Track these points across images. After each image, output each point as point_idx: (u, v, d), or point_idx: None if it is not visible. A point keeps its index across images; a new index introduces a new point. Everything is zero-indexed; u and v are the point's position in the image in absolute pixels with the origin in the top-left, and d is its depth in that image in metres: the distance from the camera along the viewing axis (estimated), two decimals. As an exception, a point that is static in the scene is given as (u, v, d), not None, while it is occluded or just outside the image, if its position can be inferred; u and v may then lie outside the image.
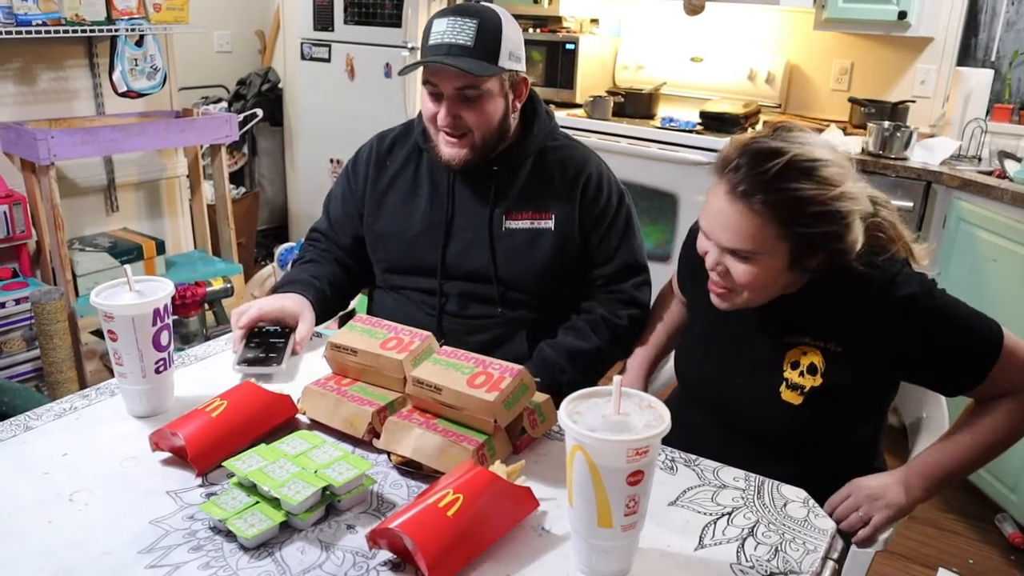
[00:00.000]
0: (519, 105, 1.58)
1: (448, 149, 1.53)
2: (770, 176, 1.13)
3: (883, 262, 1.22)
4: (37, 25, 2.60)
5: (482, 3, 1.56)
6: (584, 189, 1.58)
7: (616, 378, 0.87)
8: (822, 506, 1.06)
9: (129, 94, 2.96)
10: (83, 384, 2.75)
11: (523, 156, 1.60)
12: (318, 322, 1.53)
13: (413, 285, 1.64)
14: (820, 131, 3.03)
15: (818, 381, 1.24)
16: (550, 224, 1.57)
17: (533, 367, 1.44)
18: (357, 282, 1.73)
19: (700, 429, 1.32)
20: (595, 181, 1.60)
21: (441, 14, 1.50)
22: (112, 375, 1.23)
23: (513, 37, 1.51)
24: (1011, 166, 2.55)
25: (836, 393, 1.24)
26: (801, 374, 1.25)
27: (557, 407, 1.10)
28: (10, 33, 2.55)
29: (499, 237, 1.58)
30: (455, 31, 1.46)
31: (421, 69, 1.52)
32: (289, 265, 1.86)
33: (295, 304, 1.48)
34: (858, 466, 1.31)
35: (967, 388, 1.23)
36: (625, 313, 1.58)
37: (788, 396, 1.25)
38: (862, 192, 1.19)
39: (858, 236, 1.17)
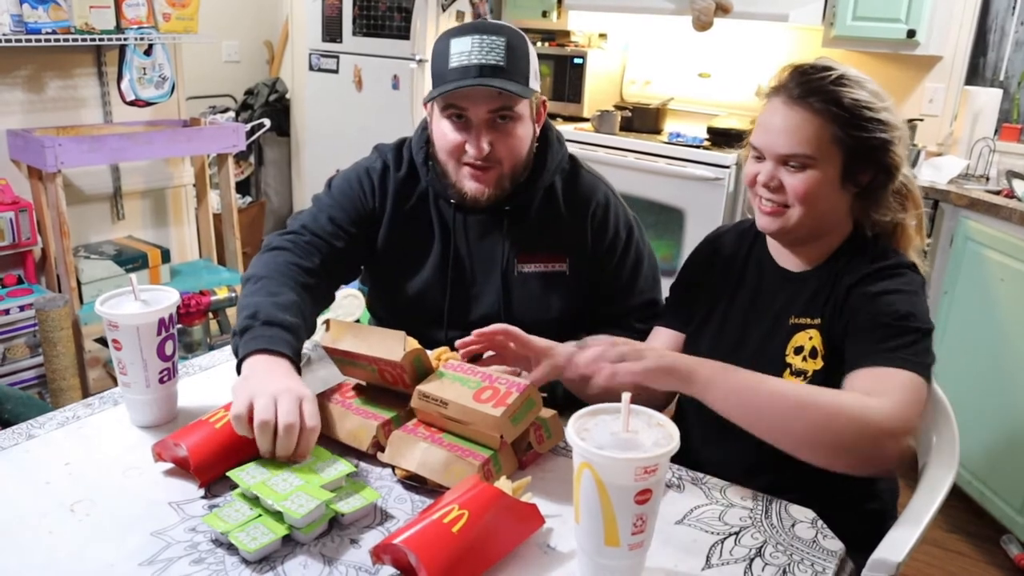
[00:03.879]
0: (539, 130, 1.48)
1: (473, 184, 1.39)
2: (827, 82, 1.19)
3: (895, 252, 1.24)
4: (47, 33, 2.61)
5: (492, 20, 1.51)
6: (592, 220, 1.49)
7: (625, 395, 0.86)
8: (830, 525, 1.05)
9: (137, 103, 2.97)
10: (86, 391, 2.74)
11: (535, 193, 1.48)
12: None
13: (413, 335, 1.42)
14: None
15: (819, 364, 1.20)
16: (564, 268, 1.49)
17: None
18: (323, 301, 1.48)
19: (696, 439, 1.29)
20: (602, 211, 1.50)
21: (459, 33, 1.36)
22: (115, 383, 1.23)
23: (535, 55, 1.42)
24: (1019, 186, 2.54)
25: (839, 377, 1.17)
26: (804, 359, 1.22)
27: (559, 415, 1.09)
28: (20, 41, 2.56)
29: (512, 283, 1.48)
30: (484, 50, 1.33)
31: (433, 93, 1.37)
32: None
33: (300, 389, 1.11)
34: (857, 480, 1.27)
35: (868, 361, 1.12)
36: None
37: (790, 380, 1.21)
38: (903, 123, 1.24)
39: (903, 156, 1.22)
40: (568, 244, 1.49)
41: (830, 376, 1.19)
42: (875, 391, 1.07)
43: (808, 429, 1.04)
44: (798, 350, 1.23)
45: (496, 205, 1.45)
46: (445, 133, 1.39)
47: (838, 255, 1.26)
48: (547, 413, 1.17)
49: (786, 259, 1.31)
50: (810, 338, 1.23)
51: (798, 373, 1.22)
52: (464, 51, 1.33)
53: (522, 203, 1.48)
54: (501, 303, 1.48)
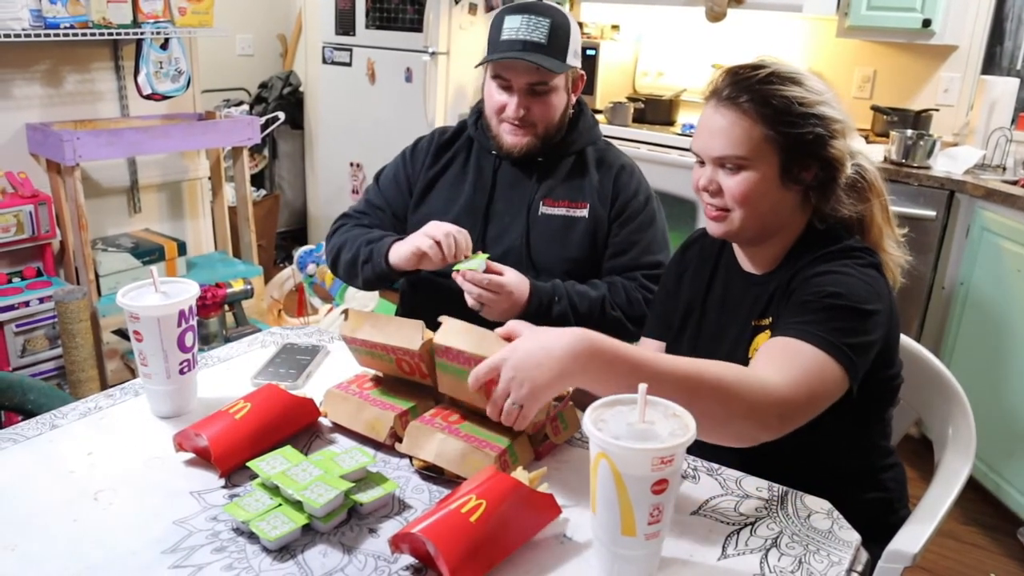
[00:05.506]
0: (575, 99, 1.69)
1: (511, 138, 1.63)
2: (755, 81, 1.17)
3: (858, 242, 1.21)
4: (65, 28, 2.63)
5: (544, 1, 1.63)
6: (616, 180, 1.67)
7: (641, 386, 0.86)
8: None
9: (153, 96, 2.99)
10: (104, 383, 2.77)
11: (566, 151, 1.68)
12: (380, 284, 1.68)
13: (446, 271, 1.59)
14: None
15: None
16: (584, 213, 1.65)
17: (537, 287, 1.53)
18: None
19: None
20: (627, 175, 1.69)
21: (513, 11, 1.59)
22: (133, 374, 1.25)
23: (577, 36, 1.62)
24: (1036, 176, 2.52)
25: None
26: None
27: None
28: (38, 36, 2.58)
29: (535, 221, 1.65)
30: (530, 28, 1.55)
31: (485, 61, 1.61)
32: (314, 267, 1.83)
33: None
34: (853, 470, 1.27)
35: (778, 333, 1.10)
36: (638, 294, 1.61)
37: None
38: (845, 114, 1.21)
39: (847, 149, 1.19)
40: (590, 194, 1.67)
41: None
42: (769, 363, 1.05)
43: (699, 410, 0.93)
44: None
45: (530, 158, 1.66)
46: (492, 94, 1.63)
47: (792, 253, 1.25)
48: (563, 404, 1.17)
49: (747, 262, 1.31)
50: (767, 338, 1.21)
51: None
52: (514, 27, 1.57)
53: (554, 158, 1.68)
54: (523, 239, 1.65)
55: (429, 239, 1.47)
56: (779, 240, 1.25)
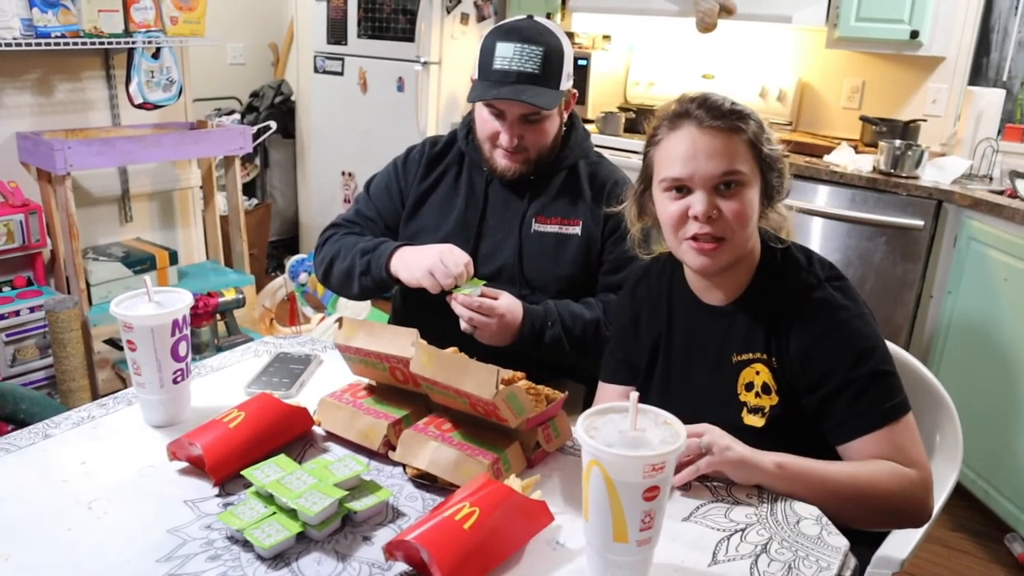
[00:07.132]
0: (566, 116, 1.67)
1: (505, 162, 1.61)
2: (728, 108, 1.21)
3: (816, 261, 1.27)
4: (56, 37, 2.63)
5: (534, 20, 1.59)
6: (608, 197, 1.64)
7: (633, 395, 0.87)
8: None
9: (145, 106, 2.99)
10: (95, 392, 2.76)
11: (558, 167, 1.67)
12: (374, 294, 1.66)
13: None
14: (830, 149, 3.04)
15: (775, 399, 1.21)
16: (577, 230, 1.64)
17: (530, 311, 1.52)
18: None
19: None
20: (619, 190, 1.65)
21: (505, 37, 1.55)
22: (124, 384, 1.25)
23: (570, 57, 1.59)
24: (1022, 186, 2.55)
25: (796, 411, 1.20)
26: (757, 395, 1.22)
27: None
28: (29, 45, 2.58)
29: (527, 238, 1.64)
30: (522, 59, 1.52)
31: (472, 82, 1.59)
32: (306, 276, 1.83)
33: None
34: None
35: (856, 432, 1.16)
36: None
37: (750, 420, 1.21)
38: None
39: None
40: (583, 211, 1.65)
41: (788, 410, 1.20)
42: (891, 459, 1.13)
43: (869, 513, 1.13)
44: (748, 386, 1.23)
45: (522, 177, 1.64)
46: (485, 119, 1.60)
47: (757, 282, 1.25)
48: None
49: (706, 293, 1.29)
50: (757, 373, 1.22)
51: (755, 410, 1.22)
52: (506, 56, 1.53)
53: (546, 175, 1.66)
54: (516, 256, 1.63)
55: (439, 284, 1.44)
56: (744, 266, 1.25)
